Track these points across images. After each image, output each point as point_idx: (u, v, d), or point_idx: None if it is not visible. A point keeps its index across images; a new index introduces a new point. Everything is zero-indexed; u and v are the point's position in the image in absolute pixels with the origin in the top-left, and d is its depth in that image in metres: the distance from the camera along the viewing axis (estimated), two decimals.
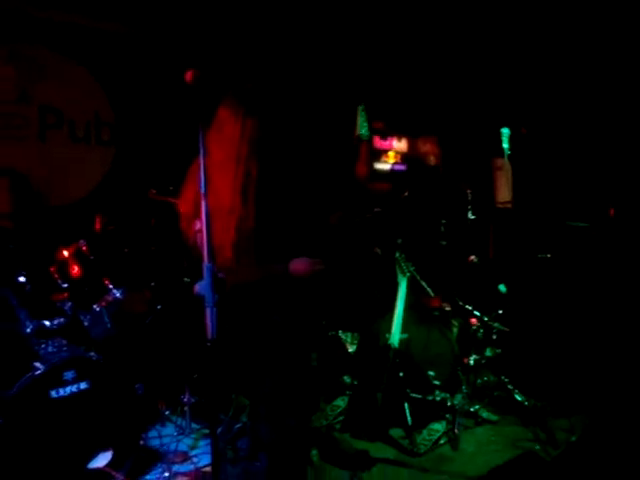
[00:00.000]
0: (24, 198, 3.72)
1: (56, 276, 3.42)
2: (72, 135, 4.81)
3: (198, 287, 2.05)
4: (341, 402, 4.28)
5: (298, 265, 2.64)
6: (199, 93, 2.35)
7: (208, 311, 2.01)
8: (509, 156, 4.23)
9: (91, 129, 4.91)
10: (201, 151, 2.21)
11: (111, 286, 3.51)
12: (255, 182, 2.61)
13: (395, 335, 4.10)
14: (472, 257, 4.56)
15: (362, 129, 3.13)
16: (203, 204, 2.11)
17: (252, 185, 2.61)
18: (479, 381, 4.47)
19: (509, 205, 5.29)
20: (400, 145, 6.82)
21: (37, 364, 3.09)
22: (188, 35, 5.08)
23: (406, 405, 3.88)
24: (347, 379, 4.39)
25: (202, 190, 2.13)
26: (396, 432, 3.96)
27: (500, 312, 4.55)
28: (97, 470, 3.18)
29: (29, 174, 4.16)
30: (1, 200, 3.62)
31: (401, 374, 3.97)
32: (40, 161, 4.58)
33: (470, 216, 4.50)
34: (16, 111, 4.48)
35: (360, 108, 3.12)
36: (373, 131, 6.52)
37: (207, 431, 3.84)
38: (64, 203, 4.59)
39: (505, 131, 4.26)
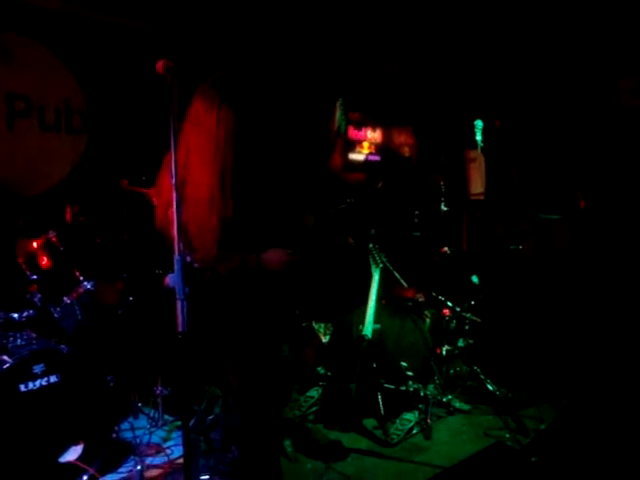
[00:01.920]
0: None
1: (25, 268, 3.37)
2: (41, 123, 4.71)
3: (169, 279, 2.03)
4: (315, 393, 4.29)
5: (271, 256, 2.63)
6: (170, 83, 2.34)
7: (178, 304, 1.99)
8: (482, 148, 4.25)
9: (61, 117, 4.81)
10: (172, 142, 2.19)
11: (82, 278, 3.46)
12: (231, 171, 2.62)
13: (368, 326, 4.12)
14: (445, 248, 4.60)
15: (341, 123, 3.11)
16: (174, 196, 2.09)
17: (229, 174, 2.62)
18: (451, 371, 4.53)
19: (482, 197, 5.34)
20: (375, 135, 6.83)
21: (5, 357, 3.03)
22: (163, 23, 5.02)
23: (379, 395, 3.90)
24: (321, 370, 4.39)
25: (173, 181, 2.12)
26: (369, 422, 3.99)
27: (472, 303, 4.60)
28: (68, 464, 3.15)
29: None
30: None
31: (374, 365, 3.99)
32: (8, 150, 4.48)
33: (443, 208, 4.53)
34: None
35: (339, 102, 3.10)
36: (348, 121, 6.52)
37: (180, 423, 3.82)
38: (33, 193, 4.51)
39: (478, 123, 4.28)
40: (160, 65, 2.39)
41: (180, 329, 1.98)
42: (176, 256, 2.01)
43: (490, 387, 4.28)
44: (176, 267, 2.01)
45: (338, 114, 3.17)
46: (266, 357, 2.72)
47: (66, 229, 3.60)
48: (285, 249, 2.67)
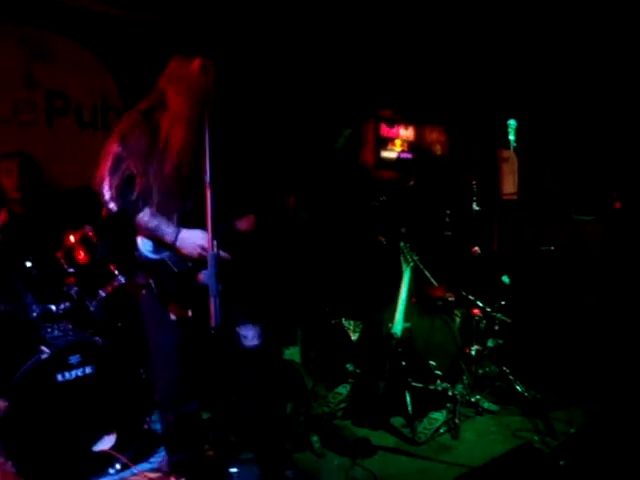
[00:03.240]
0: (33, 182, 3.74)
1: (62, 261, 3.46)
2: (79, 120, 4.81)
3: (202, 276, 2.07)
4: (343, 390, 4.31)
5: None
6: (207, 81, 2.38)
7: (212, 300, 2.03)
8: (515, 148, 4.21)
9: (98, 114, 4.91)
10: (207, 140, 2.22)
11: (117, 272, 3.53)
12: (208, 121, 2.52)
13: (398, 324, 4.12)
14: (476, 248, 4.57)
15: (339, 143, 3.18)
16: (208, 194, 2.12)
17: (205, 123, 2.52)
18: (480, 371, 4.50)
19: (514, 197, 5.29)
20: (407, 133, 6.81)
21: (43, 348, 3.13)
22: (197, 21, 5.07)
23: (407, 394, 3.91)
24: (350, 367, 4.41)
25: (207, 180, 2.15)
26: (397, 420, 4.00)
27: (503, 303, 4.56)
28: (102, 452, 3.23)
29: (37, 159, 4.19)
30: (11, 184, 3.65)
31: (403, 363, 4.00)
32: (47, 146, 4.58)
33: (475, 207, 4.50)
34: (24, 96, 4.49)
35: (346, 133, 3.17)
36: (380, 118, 6.52)
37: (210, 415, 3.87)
38: (71, 188, 4.61)
39: (512, 123, 4.24)
40: (196, 63, 2.45)
41: (213, 324, 2.02)
42: (210, 253, 2.05)
43: (519, 388, 4.24)
44: (210, 264, 2.05)
45: (340, 139, 3.26)
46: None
47: (102, 224, 3.68)
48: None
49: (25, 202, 3.70)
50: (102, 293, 3.45)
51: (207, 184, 2.11)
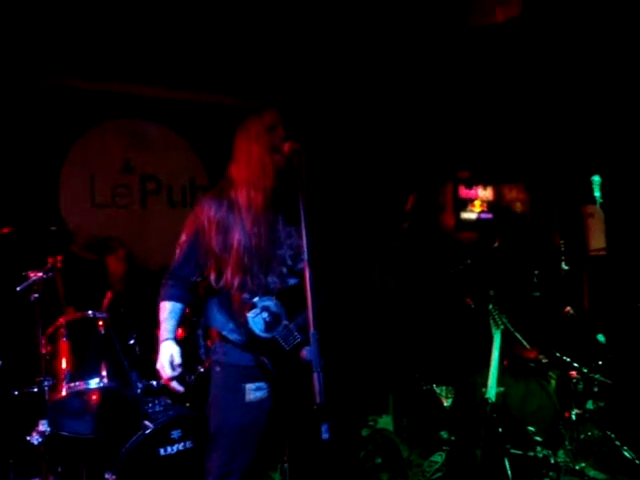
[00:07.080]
0: (132, 264, 3.96)
1: None
2: (170, 200, 5.11)
3: (305, 352, 2.13)
4: (439, 458, 4.21)
5: None
6: (297, 165, 2.46)
7: (315, 376, 2.08)
8: (601, 204, 4.13)
9: (187, 193, 5.20)
10: (302, 219, 2.30)
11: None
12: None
13: (491, 389, 4.03)
14: (568, 308, 4.45)
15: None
16: (307, 271, 2.19)
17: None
18: (582, 436, 4.30)
19: (603, 252, 5.14)
20: (486, 193, 6.78)
21: (147, 423, 3.25)
22: (281, 103, 5.31)
23: (506, 461, 3.78)
24: (444, 434, 4.33)
25: (305, 257, 2.22)
26: None
27: (600, 363, 4.39)
28: None
29: (133, 239, 4.44)
30: (118, 270, 3.88)
31: (500, 429, 3.89)
32: (141, 226, 4.88)
33: (564, 266, 4.40)
34: (121, 182, 4.83)
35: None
36: (458, 180, 6.55)
37: None
38: (165, 266, 4.83)
39: (596, 179, 4.17)
40: (287, 147, 2.54)
41: (318, 400, 2.06)
42: (312, 330, 2.11)
43: (627, 454, 4.02)
44: (312, 340, 2.11)
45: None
46: None
47: (198, 301, 3.82)
48: None
49: (125, 283, 3.91)
50: (200, 368, 3.56)
51: (306, 262, 2.19)
